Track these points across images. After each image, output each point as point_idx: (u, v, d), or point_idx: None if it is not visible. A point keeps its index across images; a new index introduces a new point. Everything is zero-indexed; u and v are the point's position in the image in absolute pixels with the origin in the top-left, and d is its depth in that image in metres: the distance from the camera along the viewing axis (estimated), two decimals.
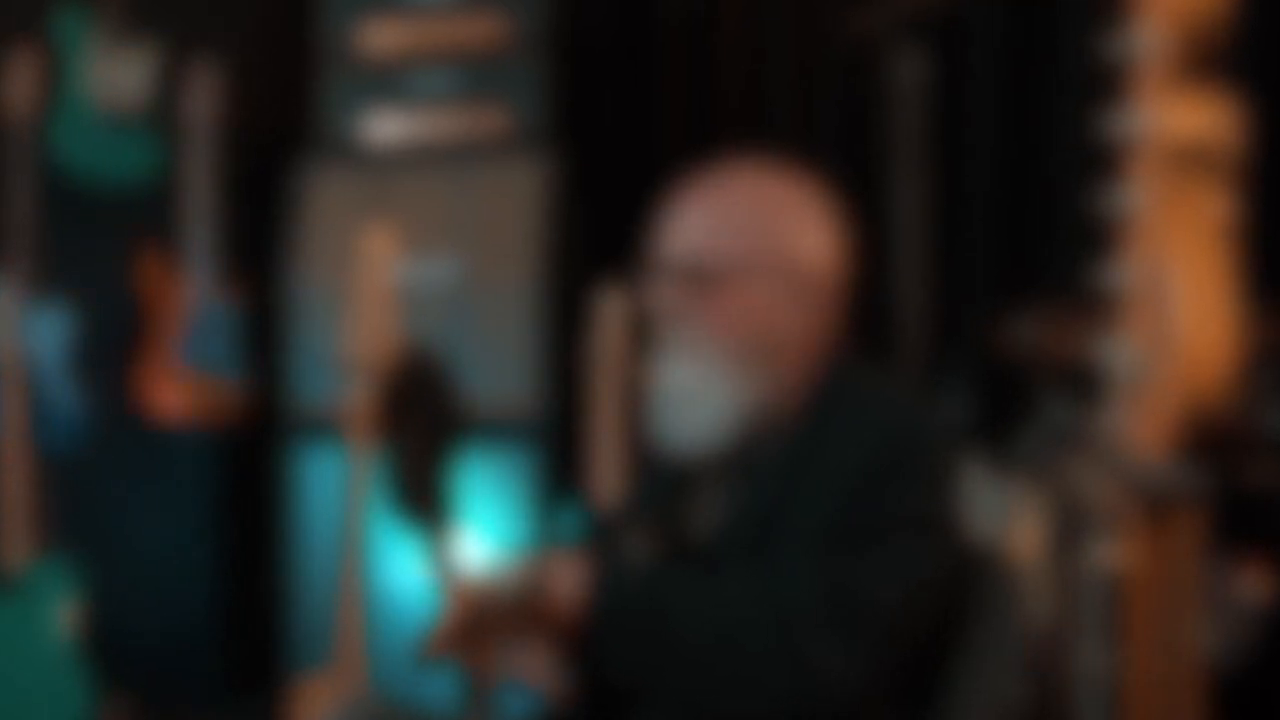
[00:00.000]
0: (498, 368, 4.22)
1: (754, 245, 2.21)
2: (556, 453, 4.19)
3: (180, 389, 4.52)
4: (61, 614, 4.13)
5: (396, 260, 3.81)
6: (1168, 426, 2.03)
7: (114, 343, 4.55)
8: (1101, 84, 2.14)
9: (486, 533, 3.95)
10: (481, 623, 2.16)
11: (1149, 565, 2.08)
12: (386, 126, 4.48)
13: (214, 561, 4.71)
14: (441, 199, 4.36)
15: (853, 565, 2.08)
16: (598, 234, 4.33)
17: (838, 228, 2.27)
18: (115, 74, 4.54)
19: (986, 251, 4.13)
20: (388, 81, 4.48)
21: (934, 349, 3.87)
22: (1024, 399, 3.57)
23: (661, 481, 2.34)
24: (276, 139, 4.61)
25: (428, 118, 4.46)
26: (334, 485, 4.01)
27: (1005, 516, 3.35)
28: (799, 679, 2.06)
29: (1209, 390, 2.03)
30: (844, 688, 2.06)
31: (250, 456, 4.63)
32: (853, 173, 2.44)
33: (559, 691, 2.19)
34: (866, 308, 2.33)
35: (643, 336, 3.52)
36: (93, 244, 4.63)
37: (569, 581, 2.14)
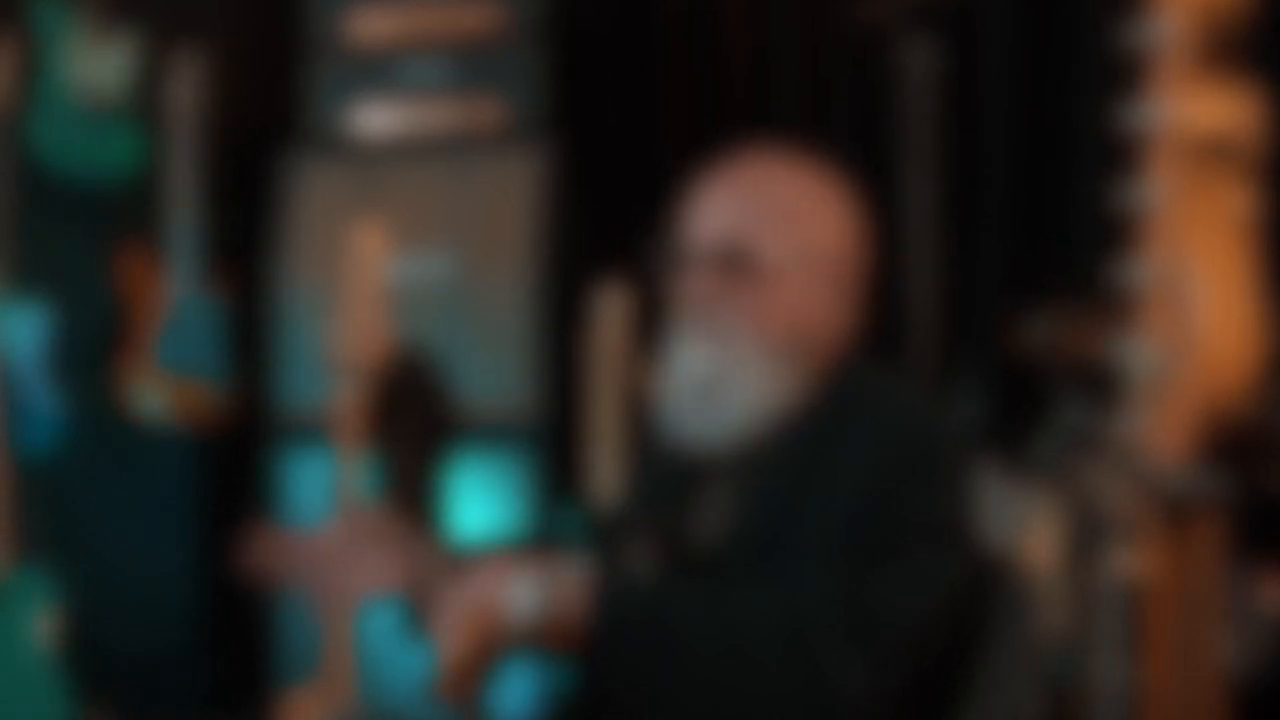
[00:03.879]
0: (493, 368, 4.23)
1: (795, 236, 2.22)
2: (554, 456, 4.19)
3: (163, 391, 4.52)
4: (39, 624, 4.13)
5: (388, 257, 3.82)
6: (1188, 430, 2.04)
7: (94, 343, 4.56)
8: (1119, 75, 2.15)
9: (480, 538, 3.95)
10: (497, 651, 2.15)
11: (1168, 573, 2.09)
12: (377, 118, 4.49)
13: (198, 570, 4.72)
14: (435, 193, 4.37)
15: (871, 577, 2.08)
16: (597, 229, 4.33)
17: (862, 220, 2.28)
18: (95, 65, 4.54)
19: (1000, 248, 4.14)
20: (378, 71, 4.48)
21: (946, 349, 3.88)
22: (1039, 401, 3.58)
23: (663, 482, 2.34)
24: (262, 131, 4.62)
25: (420, 109, 4.47)
26: (322, 491, 4.02)
27: (1020, 523, 3.36)
28: (816, 694, 2.05)
29: (1230, 392, 2.03)
30: (861, 704, 2.06)
31: (236, 461, 4.63)
32: (862, 166, 2.45)
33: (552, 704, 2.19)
34: (877, 306, 2.34)
35: (643, 334, 3.52)
36: (72, 240, 4.64)
37: (574, 594, 2.13)
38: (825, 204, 2.26)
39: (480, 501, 4.09)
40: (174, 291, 4.56)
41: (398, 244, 3.98)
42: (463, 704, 2.13)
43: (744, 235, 2.21)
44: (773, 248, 2.21)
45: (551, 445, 4.22)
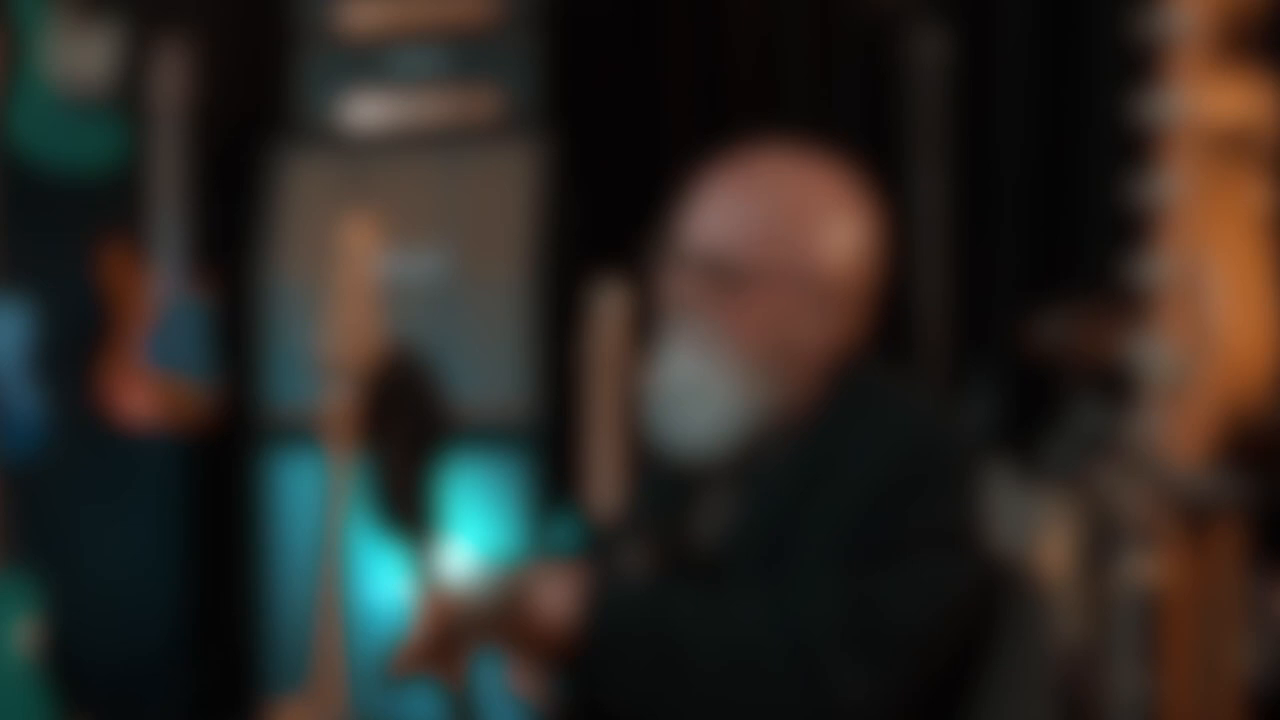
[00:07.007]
0: (487, 368, 4.23)
1: (785, 251, 2.22)
2: (550, 459, 4.20)
3: (147, 391, 4.53)
4: (20, 632, 4.13)
5: (379, 253, 3.82)
6: (1206, 432, 2.05)
7: (77, 342, 4.56)
8: (1136, 65, 2.16)
9: (475, 545, 3.95)
10: (454, 636, 2.18)
11: (1186, 580, 2.09)
12: (368, 109, 4.49)
13: (183, 576, 4.72)
14: (427, 187, 4.37)
15: (877, 584, 2.09)
16: (595, 224, 4.34)
17: (872, 228, 2.27)
18: (77, 55, 4.54)
19: (1013, 244, 4.14)
20: (369, 61, 4.48)
21: (957, 349, 3.88)
22: (1053, 402, 3.58)
23: (662, 488, 2.35)
24: (250, 123, 4.62)
25: (412, 100, 4.47)
26: (312, 494, 4.02)
27: (1033, 528, 3.36)
28: (818, 704, 2.06)
29: (1250, 393, 2.04)
30: (865, 713, 2.06)
31: (222, 463, 4.64)
32: (870, 159, 2.45)
33: (546, 706, 2.20)
34: (885, 304, 2.34)
35: (643, 334, 3.53)
36: (54, 236, 4.64)
37: (555, 594, 2.15)
38: (829, 217, 2.25)
39: (475, 504, 4.10)
40: (158, 288, 4.56)
41: (389, 239, 3.98)
42: (411, 679, 2.16)
43: (733, 247, 2.22)
44: (761, 262, 2.22)
45: (547, 448, 4.22)
